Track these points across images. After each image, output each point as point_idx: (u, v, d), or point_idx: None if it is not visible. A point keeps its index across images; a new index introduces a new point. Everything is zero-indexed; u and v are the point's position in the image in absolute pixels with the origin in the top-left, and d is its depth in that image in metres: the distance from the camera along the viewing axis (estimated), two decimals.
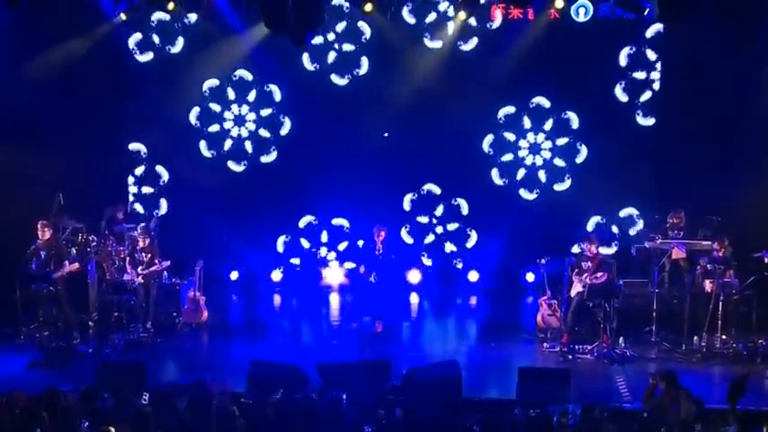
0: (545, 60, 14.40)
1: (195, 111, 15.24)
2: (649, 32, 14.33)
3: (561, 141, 14.92)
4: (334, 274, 15.18)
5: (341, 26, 14.85)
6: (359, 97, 14.94)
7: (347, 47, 14.91)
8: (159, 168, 15.36)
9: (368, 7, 14.15)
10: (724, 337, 11.39)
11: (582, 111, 14.75)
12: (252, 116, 15.29)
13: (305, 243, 15.39)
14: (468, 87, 14.57)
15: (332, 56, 14.94)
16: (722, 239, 11.69)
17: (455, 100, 14.52)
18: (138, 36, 14.85)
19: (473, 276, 15.14)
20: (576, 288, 11.60)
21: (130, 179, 15.33)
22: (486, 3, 14.04)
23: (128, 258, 12.27)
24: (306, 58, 14.88)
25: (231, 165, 15.34)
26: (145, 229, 12.48)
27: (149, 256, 12.17)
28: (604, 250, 13.22)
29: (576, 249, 12.75)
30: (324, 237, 15.35)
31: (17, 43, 13.70)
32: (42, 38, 13.82)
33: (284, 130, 15.30)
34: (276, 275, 15.26)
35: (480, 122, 14.93)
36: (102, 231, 13.29)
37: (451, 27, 14.52)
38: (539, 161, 15.01)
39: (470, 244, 15.25)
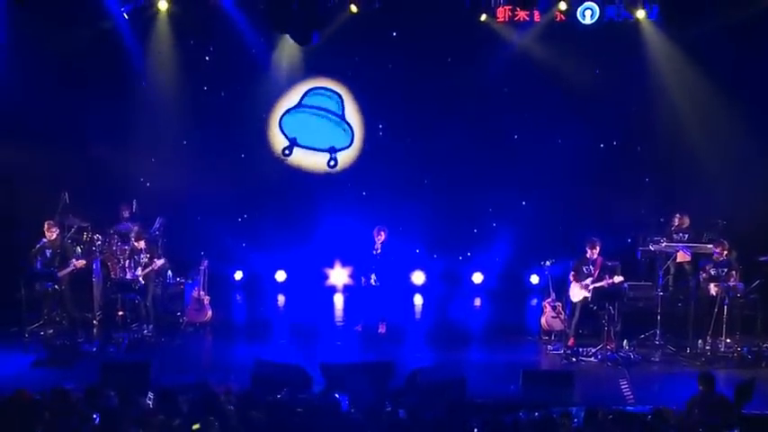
0: None
1: None
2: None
3: None
4: (338, 275, 15.18)
5: None
6: None
7: None
8: None
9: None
10: (728, 340, 11.37)
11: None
12: None
13: None
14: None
15: None
16: (722, 242, 11.62)
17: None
18: None
19: (477, 278, 15.14)
20: (580, 293, 11.52)
21: None
22: None
23: (126, 261, 12.28)
24: None
25: None
26: (138, 233, 12.45)
27: (149, 256, 12.18)
28: None
29: None
30: None
31: (20, 41, 13.71)
32: (45, 35, 13.81)
33: None
34: (280, 276, 15.28)
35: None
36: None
37: None
38: None
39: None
